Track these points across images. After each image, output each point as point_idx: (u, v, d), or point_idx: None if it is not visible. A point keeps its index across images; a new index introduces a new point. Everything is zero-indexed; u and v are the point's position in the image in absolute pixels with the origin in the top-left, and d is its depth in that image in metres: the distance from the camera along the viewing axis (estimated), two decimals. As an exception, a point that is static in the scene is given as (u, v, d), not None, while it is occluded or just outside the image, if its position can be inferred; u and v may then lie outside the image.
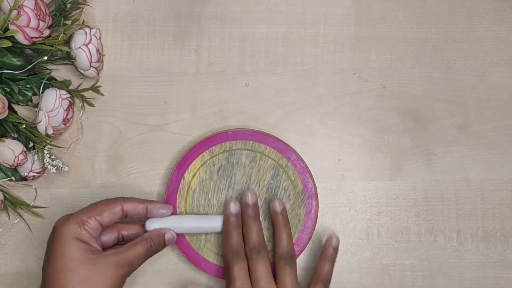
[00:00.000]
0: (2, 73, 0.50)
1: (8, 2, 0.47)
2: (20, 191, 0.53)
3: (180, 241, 0.50)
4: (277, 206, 0.49)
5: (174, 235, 0.48)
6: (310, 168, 0.52)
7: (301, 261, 0.52)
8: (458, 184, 0.54)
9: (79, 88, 0.53)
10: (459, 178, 0.54)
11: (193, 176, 0.52)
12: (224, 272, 0.48)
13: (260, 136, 0.52)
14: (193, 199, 0.51)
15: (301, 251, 0.51)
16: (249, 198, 0.49)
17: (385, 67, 0.55)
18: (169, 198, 0.51)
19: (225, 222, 0.49)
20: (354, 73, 0.55)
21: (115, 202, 0.46)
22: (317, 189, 0.53)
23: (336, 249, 0.50)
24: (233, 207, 0.49)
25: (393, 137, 0.54)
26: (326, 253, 0.49)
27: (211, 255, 0.51)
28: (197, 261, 0.50)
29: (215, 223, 0.49)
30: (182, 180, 0.51)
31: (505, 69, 0.55)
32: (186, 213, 0.51)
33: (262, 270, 0.46)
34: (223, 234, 0.49)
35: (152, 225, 0.48)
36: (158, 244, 0.47)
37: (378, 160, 0.54)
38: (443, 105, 0.55)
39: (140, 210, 0.47)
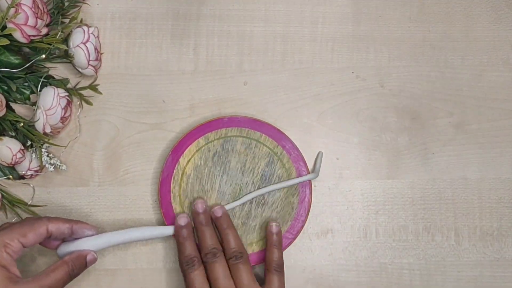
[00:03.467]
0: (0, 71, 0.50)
1: (6, 0, 0.47)
2: (18, 190, 0.53)
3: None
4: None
5: (96, 256, 0.47)
6: (308, 165, 0.52)
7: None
8: (455, 183, 0.54)
9: (77, 87, 0.53)
10: (456, 177, 0.54)
11: (188, 161, 0.52)
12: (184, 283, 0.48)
13: (255, 123, 0.52)
14: (187, 185, 0.52)
15: (294, 238, 0.51)
16: (199, 207, 0.49)
17: (383, 66, 0.55)
18: (163, 183, 0.51)
19: (176, 235, 0.49)
20: (352, 72, 0.55)
21: (40, 223, 0.44)
22: (315, 188, 0.53)
23: (277, 234, 0.50)
24: (182, 220, 0.49)
25: (391, 136, 0.54)
26: (270, 240, 0.49)
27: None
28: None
29: (126, 234, 0.48)
30: (176, 165, 0.51)
31: (503, 68, 0.55)
32: (180, 197, 0.51)
33: (219, 270, 0.47)
34: (177, 247, 0.49)
35: (65, 250, 0.47)
36: (79, 266, 0.45)
37: (375, 158, 0.54)
38: (441, 104, 0.55)
39: (65, 230, 0.46)
